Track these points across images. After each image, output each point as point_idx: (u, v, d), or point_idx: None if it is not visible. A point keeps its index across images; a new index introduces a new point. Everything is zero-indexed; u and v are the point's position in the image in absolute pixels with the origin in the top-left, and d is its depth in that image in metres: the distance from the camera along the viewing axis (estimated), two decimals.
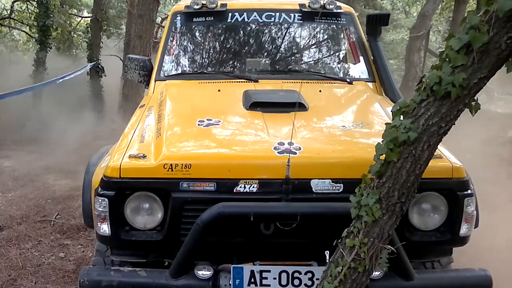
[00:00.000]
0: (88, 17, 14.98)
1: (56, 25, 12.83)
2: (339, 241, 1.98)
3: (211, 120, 2.55)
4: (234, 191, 2.12)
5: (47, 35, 11.57)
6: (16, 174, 6.13)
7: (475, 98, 1.75)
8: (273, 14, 3.47)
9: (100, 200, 2.14)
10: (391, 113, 2.56)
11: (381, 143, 1.85)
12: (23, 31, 15.68)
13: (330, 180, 2.14)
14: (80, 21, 16.40)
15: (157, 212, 2.18)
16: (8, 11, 14.91)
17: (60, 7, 13.49)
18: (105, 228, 2.17)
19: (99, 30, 12.16)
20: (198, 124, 2.51)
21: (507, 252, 3.81)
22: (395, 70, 16.46)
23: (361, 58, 3.49)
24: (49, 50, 11.75)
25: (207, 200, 2.11)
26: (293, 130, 2.21)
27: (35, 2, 12.40)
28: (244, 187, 2.12)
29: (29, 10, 14.25)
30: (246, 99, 2.74)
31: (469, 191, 2.22)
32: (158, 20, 14.10)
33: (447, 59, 1.70)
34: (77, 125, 9.16)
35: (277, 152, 2.18)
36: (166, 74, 3.36)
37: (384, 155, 1.84)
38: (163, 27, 15.76)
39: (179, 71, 3.44)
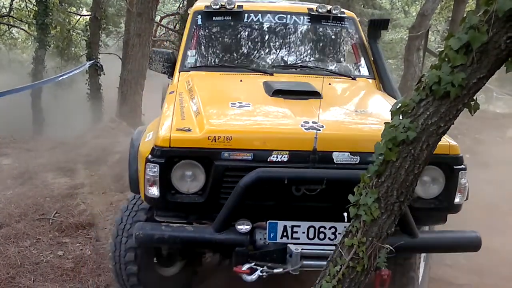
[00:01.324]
0: (87, 15, 14.97)
1: (55, 23, 12.82)
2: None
3: (242, 103, 2.89)
4: (268, 160, 2.45)
5: (46, 33, 11.57)
6: (15, 172, 6.11)
7: (474, 97, 1.75)
8: (285, 16, 3.88)
9: (151, 166, 2.46)
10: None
11: (380, 142, 1.85)
12: (22, 29, 15.68)
13: (349, 153, 2.47)
14: (79, 19, 16.36)
15: (200, 178, 2.50)
16: (7, 9, 14.90)
17: (59, 5, 13.45)
18: (154, 191, 2.48)
19: (98, 29, 12.16)
20: (231, 106, 2.86)
21: (503, 253, 3.83)
22: (394, 69, 16.50)
23: (362, 57, 3.81)
24: (48, 48, 11.74)
25: (245, 168, 2.42)
26: (320, 109, 2.56)
27: (34, 0, 12.38)
28: (277, 157, 2.46)
29: (28, 8, 14.23)
30: (267, 88, 3.07)
31: (462, 166, 2.55)
32: (157, 18, 14.08)
33: (446, 59, 1.70)
34: (75, 123, 9.17)
35: (304, 128, 2.51)
36: (189, 66, 3.66)
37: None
38: (162, 25, 15.81)
39: (201, 63, 3.76)
